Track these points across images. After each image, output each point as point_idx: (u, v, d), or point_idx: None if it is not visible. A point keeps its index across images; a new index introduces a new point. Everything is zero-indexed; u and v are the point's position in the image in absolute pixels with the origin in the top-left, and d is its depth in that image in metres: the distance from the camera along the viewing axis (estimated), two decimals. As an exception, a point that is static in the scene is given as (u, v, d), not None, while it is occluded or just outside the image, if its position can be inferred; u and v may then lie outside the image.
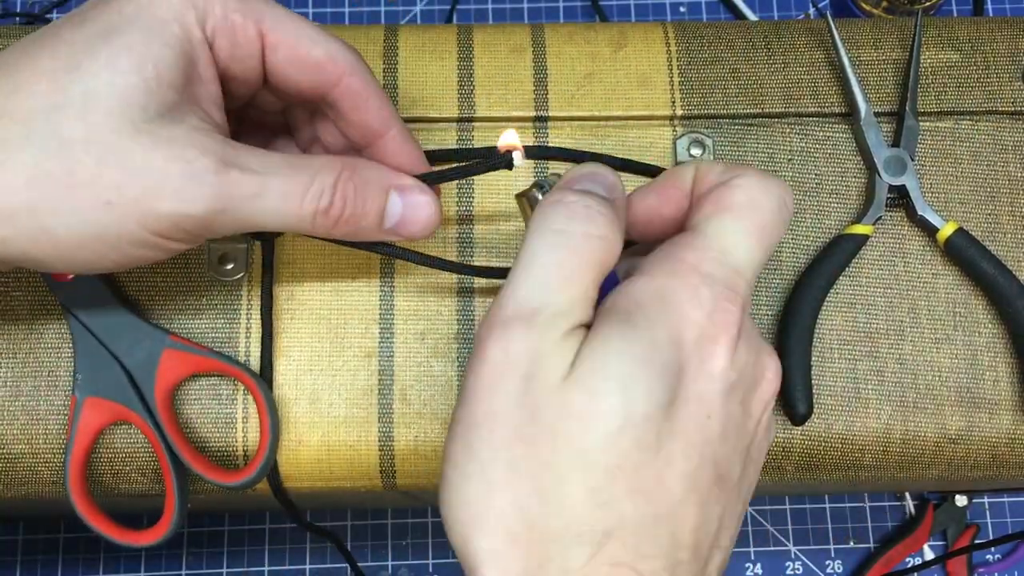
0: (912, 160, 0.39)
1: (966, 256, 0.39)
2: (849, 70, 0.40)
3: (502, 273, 0.38)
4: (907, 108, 0.40)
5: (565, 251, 0.26)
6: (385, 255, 0.38)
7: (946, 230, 0.39)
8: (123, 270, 0.31)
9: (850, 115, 0.41)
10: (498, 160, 0.33)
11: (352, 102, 0.32)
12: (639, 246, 0.32)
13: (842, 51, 0.40)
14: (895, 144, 0.40)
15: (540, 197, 0.29)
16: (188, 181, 0.28)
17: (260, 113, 0.36)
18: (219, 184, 0.29)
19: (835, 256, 0.38)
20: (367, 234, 0.32)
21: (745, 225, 0.27)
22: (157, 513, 0.37)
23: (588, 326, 0.26)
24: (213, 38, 0.30)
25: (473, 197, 0.40)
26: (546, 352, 0.25)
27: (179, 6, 0.29)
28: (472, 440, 0.25)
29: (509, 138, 0.33)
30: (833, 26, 0.40)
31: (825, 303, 0.39)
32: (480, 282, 0.39)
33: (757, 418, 0.28)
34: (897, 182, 0.39)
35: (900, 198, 0.40)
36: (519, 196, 0.30)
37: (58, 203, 0.28)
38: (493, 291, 0.39)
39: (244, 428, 0.37)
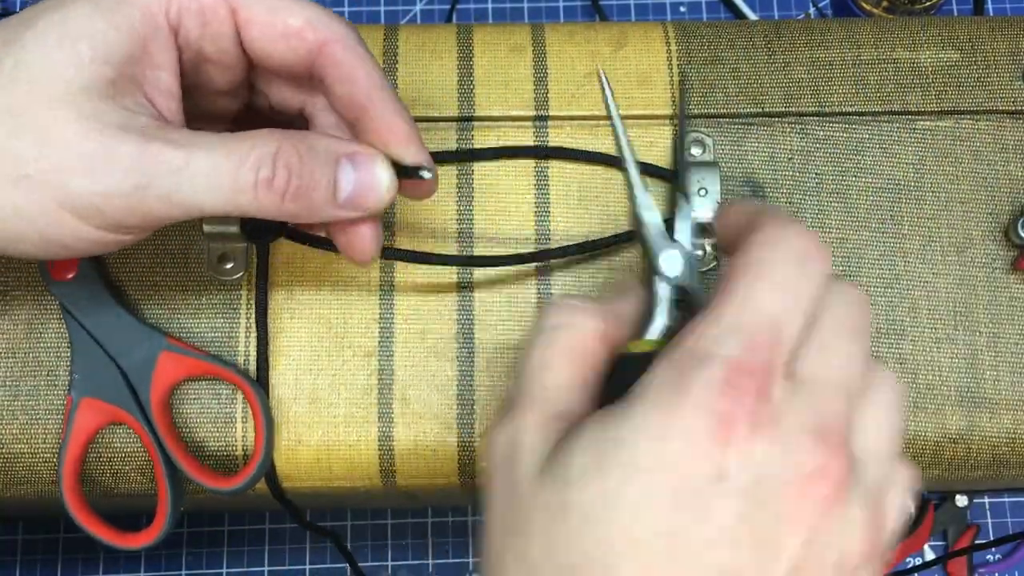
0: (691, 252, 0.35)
1: None
2: (628, 156, 0.37)
3: (499, 261, 0.38)
4: (680, 195, 0.37)
5: (540, 345, 0.27)
6: (382, 258, 0.38)
7: None
8: (54, 258, 0.30)
9: (852, 114, 0.41)
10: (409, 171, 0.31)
11: (336, 73, 0.30)
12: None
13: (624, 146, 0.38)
14: (672, 238, 0.35)
15: None
16: (104, 156, 0.27)
17: (257, 116, 0.35)
18: (137, 158, 0.27)
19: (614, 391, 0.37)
20: (321, 211, 0.30)
21: (760, 286, 0.24)
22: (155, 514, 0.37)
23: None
24: (179, 21, 0.29)
25: (472, 197, 0.40)
26: (523, 441, 0.25)
27: None
28: (485, 525, 0.26)
29: None
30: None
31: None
32: (480, 281, 0.39)
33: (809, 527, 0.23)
34: (680, 282, 0.33)
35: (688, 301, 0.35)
36: None
37: None
38: (493, 290, 0.39)
39: (244, 428, 0.37)
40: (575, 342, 0.27)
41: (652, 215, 0.35)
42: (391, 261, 0.39)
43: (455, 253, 0.39)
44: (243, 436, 0.37)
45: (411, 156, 0.31)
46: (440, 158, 0.39)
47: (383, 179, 0.30)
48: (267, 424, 0.36)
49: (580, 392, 0.27)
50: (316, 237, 0.36)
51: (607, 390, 0.29)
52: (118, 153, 0.27)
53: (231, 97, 0.33)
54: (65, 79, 0.27)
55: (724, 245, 0.29)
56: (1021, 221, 0.39)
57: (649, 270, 0.33)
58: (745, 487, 0.22)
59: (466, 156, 0.40)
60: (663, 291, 0.32)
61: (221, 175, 0.28)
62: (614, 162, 0.40)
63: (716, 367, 0.23)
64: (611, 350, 0.28)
